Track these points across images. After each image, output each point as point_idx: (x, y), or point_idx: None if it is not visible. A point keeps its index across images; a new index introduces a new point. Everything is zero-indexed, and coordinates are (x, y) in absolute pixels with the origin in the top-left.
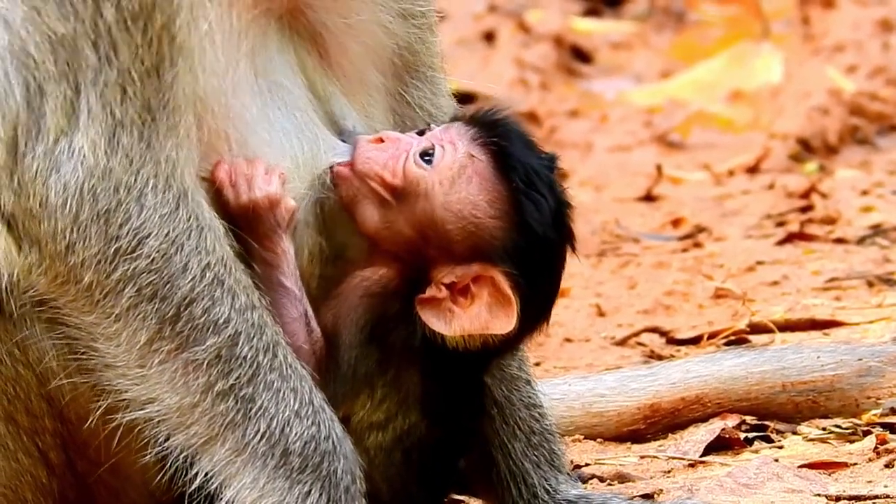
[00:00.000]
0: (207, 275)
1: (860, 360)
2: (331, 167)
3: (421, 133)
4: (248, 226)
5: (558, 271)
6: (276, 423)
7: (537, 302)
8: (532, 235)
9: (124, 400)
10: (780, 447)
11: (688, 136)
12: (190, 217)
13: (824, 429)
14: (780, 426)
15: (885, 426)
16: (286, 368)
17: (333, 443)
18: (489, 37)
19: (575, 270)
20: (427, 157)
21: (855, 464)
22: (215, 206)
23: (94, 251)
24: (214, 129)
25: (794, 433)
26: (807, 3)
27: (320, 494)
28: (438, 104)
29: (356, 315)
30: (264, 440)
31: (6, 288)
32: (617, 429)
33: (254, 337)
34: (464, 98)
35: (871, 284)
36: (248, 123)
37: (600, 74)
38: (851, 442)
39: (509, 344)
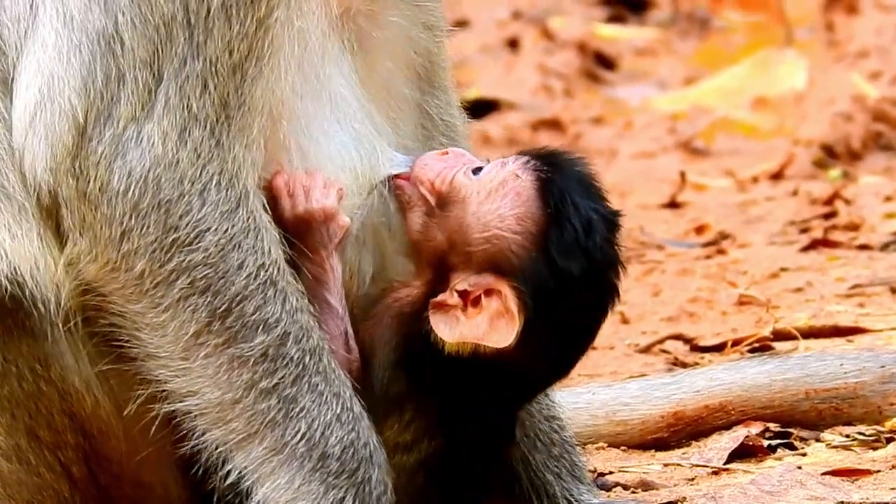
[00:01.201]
0: (262, 274)
1: (883, 366)
2: (390, 178)
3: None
4: (299, 238)
5: (586, 316)
6: (318, 426)
7: (555, 336)
8: (551, 262)
9: (163, 391)
10: (804, 454)
11: (712, 142)
12: (249, 217)
13: (848, 436)
14: (804, 433)
15: None
16: (330, 373)
17: (370, 450)
18: (513, 44)
19: None
20: (476, 172)
21: (878, 471)
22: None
23: (151, 239)
24: (281, 136)
25: (818, 440)
26: (830, 9)
27: (354, 501)
28: (452, 115)
29: (389, 335)
30: (304, 441)
31: (28, 304)
32: (641, 437)
33: (301, 339)
34: (487, 105)
35: (894, 291)
36: (312, 134)
37: (624, 81)
38: (875, 449)
39: (536, 382)
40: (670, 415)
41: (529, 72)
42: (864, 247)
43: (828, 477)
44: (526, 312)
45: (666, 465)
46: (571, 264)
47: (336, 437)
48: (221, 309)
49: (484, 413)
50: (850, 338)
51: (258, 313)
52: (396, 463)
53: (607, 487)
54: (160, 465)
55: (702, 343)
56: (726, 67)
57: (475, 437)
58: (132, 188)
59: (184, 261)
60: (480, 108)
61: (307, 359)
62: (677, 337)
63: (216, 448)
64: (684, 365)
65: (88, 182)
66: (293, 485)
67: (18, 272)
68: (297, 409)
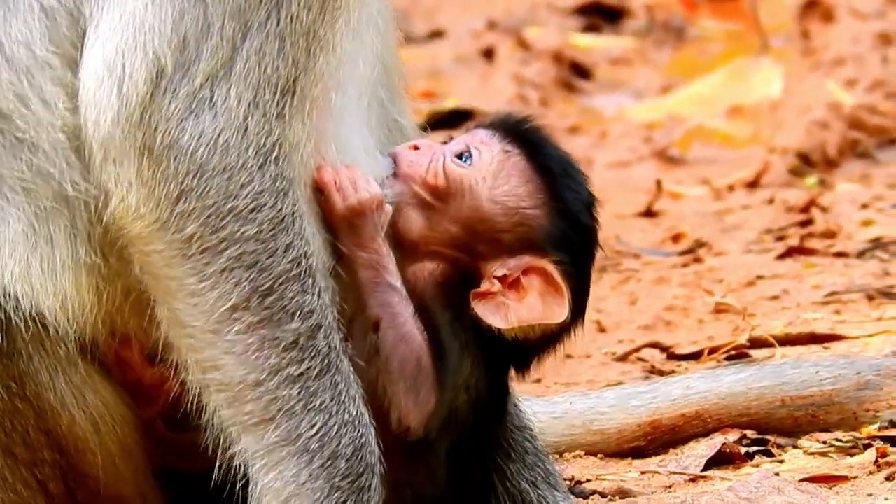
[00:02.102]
0: (303, 262)
1: (858, 373)
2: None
3: (446, 143)
4: (350, 230)
5: (593, 262)
6: (334, 423)
7: (581, 292)
8: (574, 222)
9: (185, 361)
10: (781, 461)
11: (688, 151)
12: (296, 203)
13: (825, 442)
14: (781, 440)
15: (885, 439)
16: (349, 375)
17: (375, 458)
18: (488, 54)
19: None
20: (464, 158)
21: (855, 477)
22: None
23: (209, 203)
24: (328, 115)
25: (795, 447)
26: (806, 17)
27: None
28: (407, 118)
29: (437, 305)
30: (318, 437)
31: (4, 324)
32: (618, 446)
33: (329, 335)
34: (463, 115)
35: (871, 298)
36: (347, 124)
37: (600, 90)
38: (852, 455)
39: (554, 336)
40: (647, 423)
41: (505, 81)
42: (840, 254)
43: (805, 483)
44: (570, 281)
45: (643, 472)
46: (588, 219)
47: (349, 437)
48: (264, 287)
49: (500, 372)
50: (826, 345)
51: (297, 299)
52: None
53: (585, 495)
54: (138, 479)
55: (678, 351)
56: (702, 76)
57: (489, 399)
58: (201, 149)
59: (237, 231)
60: (456, 118)
61: (332, 356)
62: (654, 345)
63: (226, 428)
64: (661, 373)
65: (156, 137)
66: (299, 479)
67: (26, 302)
68: (318, 403)
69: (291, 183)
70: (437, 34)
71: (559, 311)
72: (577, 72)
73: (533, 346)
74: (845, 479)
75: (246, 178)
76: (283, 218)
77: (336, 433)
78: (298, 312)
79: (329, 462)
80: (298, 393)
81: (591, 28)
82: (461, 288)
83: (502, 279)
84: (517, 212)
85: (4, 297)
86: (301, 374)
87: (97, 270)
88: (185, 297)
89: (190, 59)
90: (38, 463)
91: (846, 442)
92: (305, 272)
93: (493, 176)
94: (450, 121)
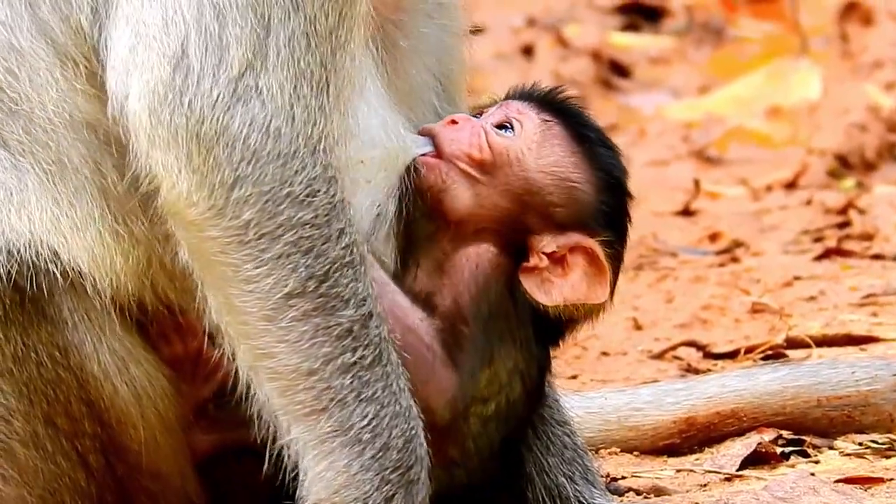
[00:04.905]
0: (355, 249)
1: (895, 375)
2: (415, 159)
3: (478, 115)
4: None
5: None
6: (385, 414)
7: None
8: (618, 197)
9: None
10: (817, 462)
11: (726, 151)
12: (342, 191)
13: (861, 444)
14: (817, 441)
15: None
16: (398, 366)
17: (424, 451)
18: (527, 51)
19: None
20: (505, 130)
21: (891, 479)
22: None
23: (266, 189)
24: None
25: (831, 448)
26: (845, 19)
27: (401, 502)
28: None
29: (475, 290)
30: (370, 427)
31: (45, 290)
32: (653, 443)
33: (380, 325)
34: None
35: None
36: (359, 112)
37: (638, 89)
38: (888, 457)
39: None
40: (682, 421)
41: (544, 79)
42: (877, 256)
43: (841, 484)
44: (614, 262)
45: (678, 470)
46: (624, 178)
47: (400, 429)
48: (319, 273)
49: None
50: (863, 346)
51: (351, 286)
52: (473, 412)
53: (620, 492)
54: (178, 456)
55: (715, 350)
56: (741, 76)
57: (539, 381)
58: (253, 136)
59: (294, 216)
60: None
61: (383, 345)
62: (690, 344)
63: (278, 417)
64: (697, 371)
65: (202, 123)
66: (350, 470)
67: (66, 260)
68: (370, 393)
69: (339, 170)
70: (476, 30)
71: (601, 292)
72: (615, 70)
73: (572, 322)
74: (881, 480)
75: (299, 164)
76: (335, 204)
77: (388, 424)
78: (353, 299)
79: (380, 454)
80: (351, 382)
81: (630, 27)
82: (510, 264)
83: (550, 255)
84: (567, 183)
85: (39, 248)
86: (354, 363)
87: (116, 232)
88: (240, 283)
89: (220, 44)
90: (80, 434)
91: (882, 443)
92: (358, 259)
93: (538, 146)
94: None
